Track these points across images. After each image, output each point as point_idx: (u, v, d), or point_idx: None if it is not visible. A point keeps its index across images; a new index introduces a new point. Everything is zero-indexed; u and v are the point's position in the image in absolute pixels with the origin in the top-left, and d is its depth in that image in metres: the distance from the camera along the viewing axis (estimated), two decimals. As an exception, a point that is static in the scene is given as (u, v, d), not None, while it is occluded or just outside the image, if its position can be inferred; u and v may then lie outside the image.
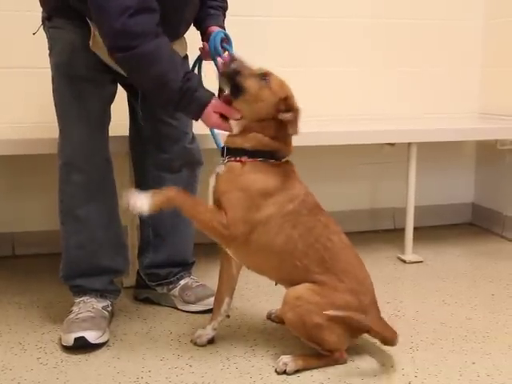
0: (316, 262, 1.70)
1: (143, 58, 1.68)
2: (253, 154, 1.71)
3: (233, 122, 1.73)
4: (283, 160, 1.75)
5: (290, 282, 1.73)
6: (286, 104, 1.69)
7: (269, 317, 2.06)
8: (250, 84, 1.67)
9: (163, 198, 1.67)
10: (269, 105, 1.69)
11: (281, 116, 1.69)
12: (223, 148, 1.76)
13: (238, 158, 1.71)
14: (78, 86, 1.88)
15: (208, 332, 1.85)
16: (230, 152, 1.73)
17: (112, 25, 1.64)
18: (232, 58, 1.71)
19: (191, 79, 1.73)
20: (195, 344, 1.87)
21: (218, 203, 1.70)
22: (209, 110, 1.72)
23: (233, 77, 1.67)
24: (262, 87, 1.68)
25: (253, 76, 1.68)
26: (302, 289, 1.69)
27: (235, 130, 1.73)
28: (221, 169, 1.73)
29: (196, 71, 2.02)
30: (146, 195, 1.65)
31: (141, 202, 1.64)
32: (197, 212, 1.70)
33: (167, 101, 1.75)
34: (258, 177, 1.70)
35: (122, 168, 2.16)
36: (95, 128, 1.93)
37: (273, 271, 1.78)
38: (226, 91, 1.71)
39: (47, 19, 1.90)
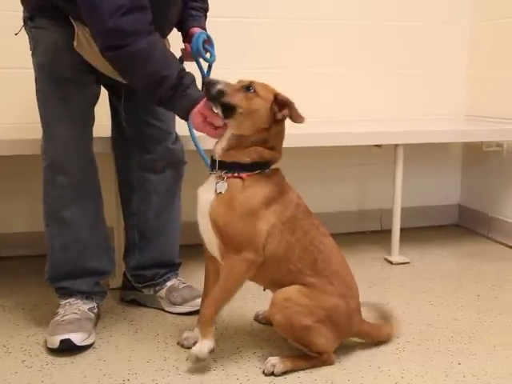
0: (309, 265, 1.70)
1: (136, 55, 1.68)
2: (251, 167, 1.68)
3: (229, 136, 1.69)
4: (273, 169, 1.74)
5: (280, 286, 1.72)
6: (278, 102, 1.68)
7: (256, 318, 2.06)
8: (239, 99, 1.65)
9: (204, 326, 1.70)
10: (264, 111, 1.66)
11: (279, 116, 1.68)
12: (214, 161, 1.71)
13: (236, 174, 1.68)
14: (61, 87, 1.86)
15: (195, 334, 1.85)
16: (225, 166, 1.69)
17: (104, 24, 1.64)
18: (211, 82, 1.66)
19: (185, 76, 1.72)
20: (182, 346, 1.86)
21: (223, 229, 1.67)
22: (196, 109, 1.71)
23: (219, 98, 1.64)
24: (250, 98, 1.66)
25: (238, 91, 1.66)
26: (291, 291, 1.69)
27: (229, 143, 1.69)
28: (222, 188, 1.68)
29: None
30: (201, 343, 1.69)
31: (203, 348, 1.68)
32: (228, 286, 1.70)
33: (161, 98, 1.74)
34: (257, 190, 1.67)
35: (105, 169, 2.15)
36: (79, 129, 1.91)
37: (266, 277, 1.76)
38: (219, 113, 1.67)
39: (29, 19, 1.88)
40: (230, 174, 1.68)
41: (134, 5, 1.65)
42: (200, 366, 1.71)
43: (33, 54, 1.91)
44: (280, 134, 1.73)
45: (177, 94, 1.70)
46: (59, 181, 1.90)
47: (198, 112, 1.70)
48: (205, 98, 1.69)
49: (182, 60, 2.08)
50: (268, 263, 1.69)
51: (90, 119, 1.97)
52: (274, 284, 1.75)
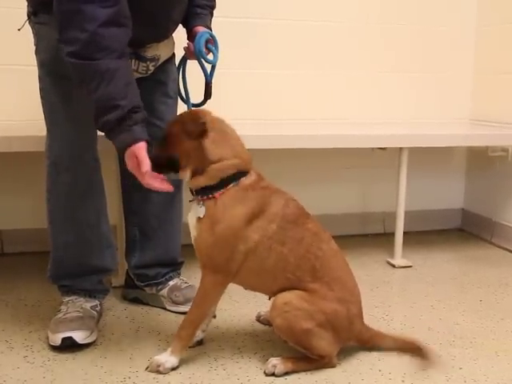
0: (308, 272, 1.70)
1: (100, 73, 1.60)
2: (221, 185, 1.68)
3: (184, 173, 1.71)
4: (250, 175, 1.72)
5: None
6: (188, 126, 1.67)
7: (258, 319, 2.06)
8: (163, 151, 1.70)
9: (179, 343, 1.72)
10: (182, 138, 1.67)
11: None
12: (191, 190, 1.74)
13: (210, 196, 1.68)
14: (64, 85, 1.83)
15: (197, 334, 1.85)
16: (199, 191, 1.70)
17: (79, 32, 1.58)
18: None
19: (137, 113, 1.66)
20: None
21: (204, 252, 1.70)
22: (135, 148, 1.65)
23: (157, 162, 1.68)
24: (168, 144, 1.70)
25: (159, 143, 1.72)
26: (291, 295, 1.69)
27: (188, 176, 1.71)
28: (201, 212, 1.69)
29: (181, 73, 2.06)
30: (166, 356, 1.71)
31: (167, 363, 1.70)
32: (202, 308, 1.76)
33: (104, 124, 1.66)
34: (235, 209, 1.66)
35: (109, 166, 2.15)
36: (83, 127, 1.88)
37: (266, 288, 1.78)
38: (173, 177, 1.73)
39: (33, 14, 1.85)
40: (205, 197, 1.69)
41: (112, 19, 1.60)
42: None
43: (36, 51, 1.89)
44: (217, 138, 1.68)
45: (121, 126, 1.63)
46: (63, 179, 1.89)
47: (134, 152, 1.65)
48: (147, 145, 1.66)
49: (185, 58, 2.08)
50: (262, 274, 1.71)
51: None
52: (277, 293, 1.73)
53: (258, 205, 1.68)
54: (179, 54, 2.11)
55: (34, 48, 1.90)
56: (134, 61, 1.88)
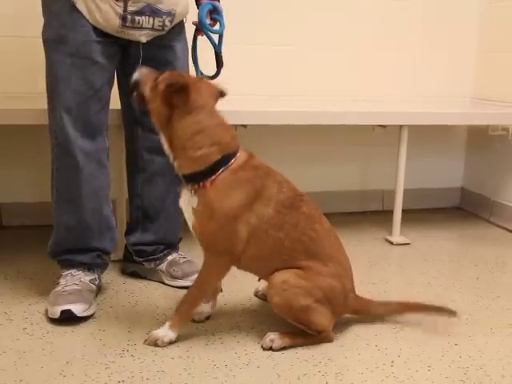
0: (303, 252, 1.71)
1: None
2: (210, 171, 1.64)
3: (165, 145, 1.69)
4: (240, 155, 1.68)
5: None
6: (170, 90, 1.61)
7: (256, 294, 2.08)
8: (146, 89, 1.66)
9: (178, 318, 1.73)
10: (157, 102, 1.64)
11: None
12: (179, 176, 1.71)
13: (200, 185, 1.65)
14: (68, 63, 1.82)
15: (208, 310, 1.87)
16: (188, 178, 1.67)
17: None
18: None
19: None
20: (192, 320, 1.86)
21: (205, 238, 1.70)
22: None
23: (133, 88, 1.68)
24: (153, 88, 1.65)
25: (151, 81, 1.67)
26: (288, 273, 1.70)
27: (171, 153, 1.68)
28: (194, 202, 1.66)
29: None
30: (165, 330, 1.72)
31: (165, 337, 1.71)
32: (204, 286, 1.76)
33: None
34: (230, 194, 1.65)
35: (115, 140, 2.14)
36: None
37: (261, 270, 1.78)
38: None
39: None
40: (196, 186, 1.66)
41: None
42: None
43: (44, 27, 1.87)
44: (193, 125, 1.63)
45: None
46: (68, 162, 1.89)
47: None
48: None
49: (195, 36, 2.06)
50: (259, 259, 1.71)
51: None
52: (271, 273, 1.74)
53: (253, 187, 1.67)
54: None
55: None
56: (148, 18, 1.85)
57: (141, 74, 1.69)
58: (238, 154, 1.69)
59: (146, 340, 1.73)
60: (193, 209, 1.68)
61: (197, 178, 1.65)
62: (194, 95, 1.62)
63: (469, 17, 3.22)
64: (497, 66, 3.13)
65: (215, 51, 2.01)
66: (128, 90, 1.75)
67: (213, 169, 1.64)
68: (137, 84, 1.68)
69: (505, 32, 3.07)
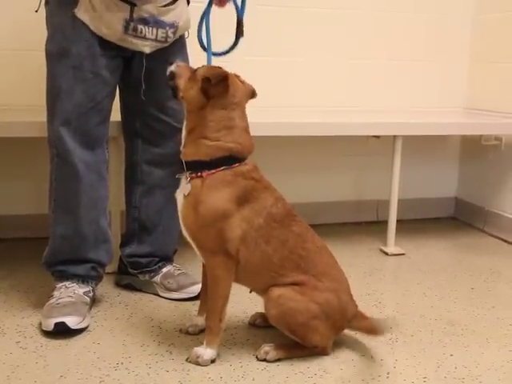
0: (294, 270, 1.69)
1: None
2: (212, 164, 1.64)
3: (184, 131, 1.70)
4: (246, 164, 1.68)
5: (267, 289, 1.71)
6: (209, 80, 1.61)
7: (253, 323, 1.97)
8: (180, 82, 1.69)
9: (210, 334, 1.69)
10: (194, 92, 1.65)
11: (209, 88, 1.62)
12: (182, 163, 1.70)
13: (198, 174, 1.65)
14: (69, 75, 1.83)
15: (202, 322, 1.84)
16: (190, 166, 1.67)
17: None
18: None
19: None
20: (187, 333, 1.85)
21: (191, 233, 1.68)
22: None
23: (168, 80, 1.71)
24: (189, 80, 1.67)
25: (187, 74, 1.69)
26: (284, 288, 1.68)
27: (186, 138, 1.69)
28: (187, 190, 1.66)
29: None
30: (205, 351, 1.68)
31: (206, 355, 1.68)
32: (218, 292, 1.69)
33: None
34: (219, 190, 1.63)
35: (114, 152, 2.13)
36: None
37: (250, 282, 1.77)
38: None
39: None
40: (193, 175, 1.66)
41: None
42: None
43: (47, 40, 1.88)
44: (225, 121, 1.65)
45: None
46: (68, 171, 1.89)
47: None
48: None
49: (208, 10, 1.95)
50: (248, 269, 1.69)
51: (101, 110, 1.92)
52: (262, 289, 1.73)
53: (244, 192, 1.65)
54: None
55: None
56: (151, 29, 1.86)
57: (177, 66, 1.70)
58: (244, 163, 1.69)
59: (187, 358, 1.71)
60: (184, 197, 1.67)
61: (197, 167, 1.65)
62: (233, 89, 1.65)
63: (461, 28, 3.24)
64: (489, 76, 3.16)
65: (238, 18, 1.94)
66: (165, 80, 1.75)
67: (216, 163, 1.65)
68: (172, 75, 1.70)
69: (497, 42, 3.10)
